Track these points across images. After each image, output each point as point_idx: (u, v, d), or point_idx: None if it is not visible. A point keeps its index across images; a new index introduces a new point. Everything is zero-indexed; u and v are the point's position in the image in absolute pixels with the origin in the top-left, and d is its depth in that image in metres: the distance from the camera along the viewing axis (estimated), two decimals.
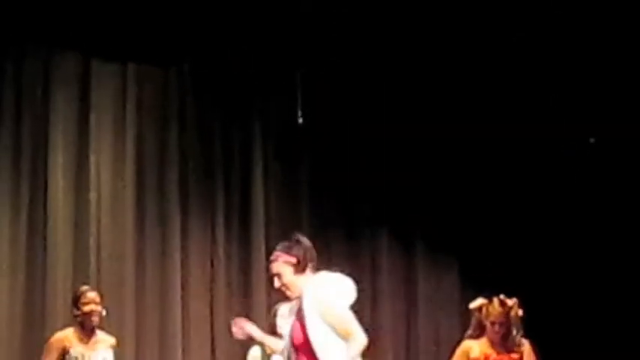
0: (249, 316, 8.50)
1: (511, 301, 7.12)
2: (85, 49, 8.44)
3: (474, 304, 7.19)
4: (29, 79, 8.40)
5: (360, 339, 5.20)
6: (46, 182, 8.35)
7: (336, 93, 9.22)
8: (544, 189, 9.37)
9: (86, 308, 7.15)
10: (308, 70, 9.05)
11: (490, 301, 7.10)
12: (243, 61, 8.89)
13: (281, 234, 8.82)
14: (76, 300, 7.24)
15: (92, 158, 8.46)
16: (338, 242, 9.02)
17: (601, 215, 9.34)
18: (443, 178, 9.30)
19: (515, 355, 7.10)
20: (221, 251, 8.76)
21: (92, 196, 8.45)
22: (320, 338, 5.22)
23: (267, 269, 5.87)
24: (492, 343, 7.09)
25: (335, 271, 5.54)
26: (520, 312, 7.14)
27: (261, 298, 8.69)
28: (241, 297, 8.77)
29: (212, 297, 8.67)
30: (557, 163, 9.40)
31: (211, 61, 8.82)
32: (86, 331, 7.18)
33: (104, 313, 7.26)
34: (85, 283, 8.01)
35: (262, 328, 8.44)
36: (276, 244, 8.66)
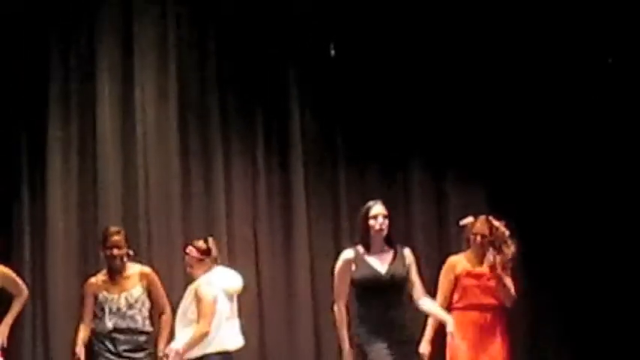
0: (289, 248, 8.98)
1: (498, 222, 7.70)
2: None
3: (464, 221, 7.80)
4: (75, 21, 8.67)
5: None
6: (94, 122, 8.63)
7: (369, 25, 9.29)
8: (572, 116, 9.35)
9: (108, 252, 7.39)
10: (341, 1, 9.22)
11: (470, 221, 7.76)
12: None
13: (318, 166, 9.21)
14: (102, 242, 7.47)
15: (137, 95, 8.73)
16: (371, 173, 9.22)
17: (625, 141, 9.35)
18: (473, 108, 9.33)
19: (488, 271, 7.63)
20: (262, 183, 9.00)
21: (138, 132, 8.72)
22: None
23: None
24: (475, 257, 7.68)
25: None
26: (507, 233, 7.65)
27: (301, 218, 9.02)
28: (282, 223, 9.02)
29: (255, 227, 8.90)
30: (584, 88, 9.42)
31: None
32: (113, 272, 7.40)
33: (131, 252, 7.48)
34: (134, 221, 8.49)
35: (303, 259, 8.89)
36: (314, 175, 9.10)
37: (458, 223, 7.98)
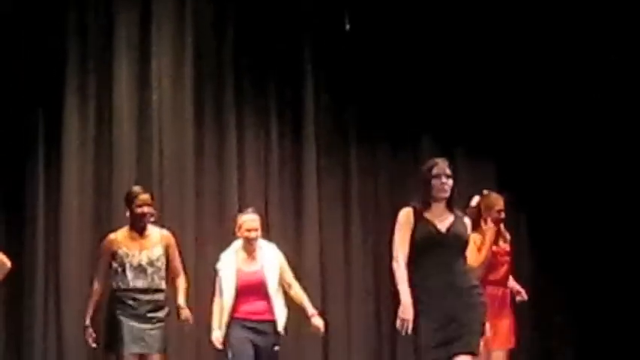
0: (300, 220, 9.09)
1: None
2: None
3: (474, 202, 7.49)
4: None
5: None
6: (110, 93, 8.73)
7: (384, 1, 9.39)
8: (583, 92, 9.38)
9: (139, 210, 7.31)
10: None
11: (483, 195, 7.49)
12: None
13: (330, 141, 9.31)
14: (130, 201, 7.36)
15: (153, 67, 8.82)
16: (382, 149, 9.34)
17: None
18: (483, 85, 9.41)
19: (507, 247, 7.57)
20: (274, 157, 9.11)
21: (154, 98, 8.81)
22: None
23: None
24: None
25: None
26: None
27: (312, 192, 9.15)
28: (293, 194, 9.14)
29: (266, 193, 9.02)
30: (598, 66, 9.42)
31: None
32: (137, 230, 7.37)
33: (156, 214, 7.48)
34: (148, 180, 8.55)
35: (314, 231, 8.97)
36: (326, 150, 9.19)
37: (469, 200, 8.02)
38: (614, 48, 9.32)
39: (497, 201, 7.52)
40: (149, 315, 7.30)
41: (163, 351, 7.40)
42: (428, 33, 9.41)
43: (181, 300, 7.44)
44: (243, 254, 7.53)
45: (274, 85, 9.22)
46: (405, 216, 6.18)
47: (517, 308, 7.91)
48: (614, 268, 9.16)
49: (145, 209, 7.35)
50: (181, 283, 7.51)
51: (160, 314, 7.36)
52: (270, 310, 7.47)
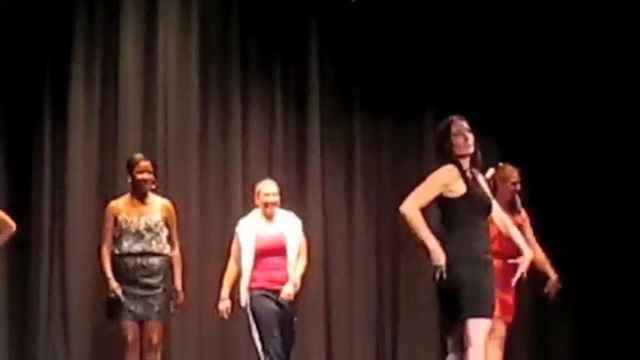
0: (303, 192, 9.14)
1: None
2: None
3: (489, 174, 7.24)
4: None
5: None
6: (117, 59, 8.76)
7: None
8: (587, 66, 9.34)
9: (139, 176, 7.41)
10: None
11: (498, 167, 7.43)
12: None
13: (334, 114, 9.35)
14: (130, 168, 7.47)
15: (160, 35, 8.84)
16: (386, 122, 9.37)
17: None
18: (487, 60, 9.39)
19: (519, 219, 7.51)
20: (279, 129, 9.15)
21: (160, 68, 8.84)
22: None
23: None
24: (504, 208, 7.05)
25: None
26: None
27: (315, 164, 9.19)
28: (297, 167, 9.19)
29: (270, 164, 9.05)
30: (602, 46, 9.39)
31: None
32: (138, 197, 7.46)
33: (152, 180, 7.48)
34: (152, 150, 8.58)
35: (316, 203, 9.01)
36: (330, 123, 9.22)
37: (484, 172, 8.00)
38: (620, 15, 9.29)
39: (512, 173, 7.53)
40: (146, 281, 7.37)
41: (163, 318, 7.49)
42: (433, 6, 9.41)
43: (177, 281, 7.55)
44: (262, 220, 7.61)
45: (279, 58, 9.24)
46: (448, 175, 5.79)
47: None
48: (618, 239, 9.18)
49: (145, 176, 7.44)
50: (176, 259, 7.56)
51: (155, 280, 7.42)
52: (287, 279, 7.53)
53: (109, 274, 7.36)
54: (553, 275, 7.66)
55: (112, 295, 7.34)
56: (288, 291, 7.45)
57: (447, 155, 5.82)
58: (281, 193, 7.68)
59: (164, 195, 7.79)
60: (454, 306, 5.71)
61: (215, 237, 8.76)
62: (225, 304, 7.58)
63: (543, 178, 9.14)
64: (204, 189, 8.92)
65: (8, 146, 8.52)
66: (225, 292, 7.59)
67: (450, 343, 5.89)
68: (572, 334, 9.37)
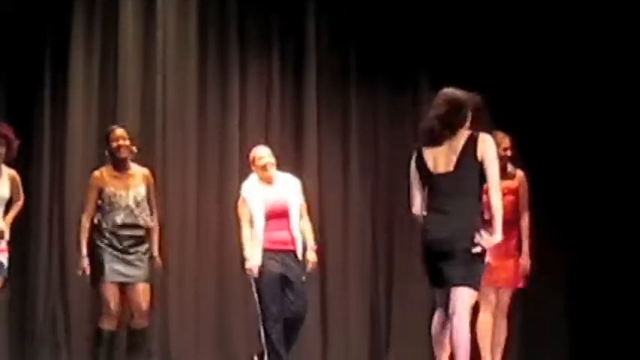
0: (300, 158, 9.22)
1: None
2: None
3: None
4: None
5: None
6: (116, 24, 8.84)
7: None
8: (581, 32, 9.30)
9: (114, 144, 7.47)
10: None
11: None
12: None
13: (331, 81, 9.40)
14: (106, 137, 7.55)
15: (159, 5, 8.91)
16: (382, 88, 9.40)
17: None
18: (482, 26, 9.40)
19: (514, 184, 7.79)
20: (276, 97, 9.20)
21: (159, 35, 8.93)
22: None
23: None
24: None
25: None
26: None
27: (312, 133, 9.26)
28: (293, 135, 9.26)
29: (267, 133, 9.09)
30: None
31: None
32: (118, 168, 7.49)
33: (134, 149, 7.58)
34: (151, 127, 8.72)
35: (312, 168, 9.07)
36: (326, 90, 9.27)
37: None
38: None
39: (504, 140, 7.71)
40: (132, 249, 7.46)
41: (146, 281, 7.56)
42: None
43: (155, 248, 7.63)
44: (262, 184, 7.66)
45: (277, 27, 9.29)
46: None
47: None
48: (613, 205, 9.18)
49: (121, 142, 7.50)
50: (155, 226, 7.64)
51: (142, 248, 7.52)
52: (292, 240, 7.61)
53: (84, 250, 7.41)
54: (525, 259, 7.81)
55: (80, 272, 7.42)
56: (312, 259, 7.59)
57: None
58: (278, 157, 7.74)
59: (163, 162, 7.87)
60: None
61: (213, 207, 8.86)
62: (250, 263, 7.50)
63: (536, 144, 9.18)
64: (202, 158, 9.00)
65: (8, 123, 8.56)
66: (249, 252, 7.53)
67: (438, 298, 6.09)
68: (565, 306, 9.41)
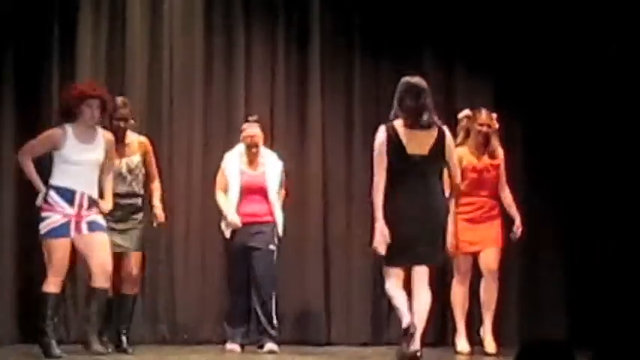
0: (304, 131, 9.32)
1: (494, 114, 8.12)
2: None
3: (462, 114, 8.16)
4: None
5: None
6: (124, 1, 9.00)
7: None
8: (584, 15, 9.29)
9: (116, 123, 7.63)
10: None
11: (472, 110, 8.14)
12: None
13: (334, 55, 9.48)
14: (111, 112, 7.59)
15: None
16: (385, 63, 9.41)
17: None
18: (485, 3, 9.41)
19: (495, 162, 8.11)
20: (281, 70, 9.29)
21: (165, 8, 9.05)
22: None
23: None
24: (476, 149, 8.07)
25: None
26: (497, 125, 8.11)
27: (316, 103, 9.33)
28: (297, 105, 9.33)
29: (272, 102, 9.23)
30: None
31: None
32: (116, 136, 7.55)
33: (131, 120, 7.74)
34: (158, 98, 8.86)
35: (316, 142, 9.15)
36: (330, 64, 9.34)
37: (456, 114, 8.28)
38: None
39: (480, 116, 8.12)
40: (125, 218, 7.62)
41: (140, 249, 7.73)
42: None
43: (156, 200, 7.80)
44: (245, 158, 7.95)
45: (282, 1, 9.38)
46: None
47: (506, 219, 8.31)
48: (610, 183, 9.19)
49: (122, 124, 7.66)
50: (156, 187, 7.84)
51: (135, 217, 7.69)
52: (270, 212, 7.94)
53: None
54: (517, 218, 8.19)
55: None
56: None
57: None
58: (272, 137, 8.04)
59: (169, 132, 7.99)
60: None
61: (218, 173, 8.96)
62: (232, 218, 7.88)
63: (536, 120, 9.26)
64: (208, 126, 9.14)
65: (16, 93, 8.73)
66: (225, 209, 7.95)
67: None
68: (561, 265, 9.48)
